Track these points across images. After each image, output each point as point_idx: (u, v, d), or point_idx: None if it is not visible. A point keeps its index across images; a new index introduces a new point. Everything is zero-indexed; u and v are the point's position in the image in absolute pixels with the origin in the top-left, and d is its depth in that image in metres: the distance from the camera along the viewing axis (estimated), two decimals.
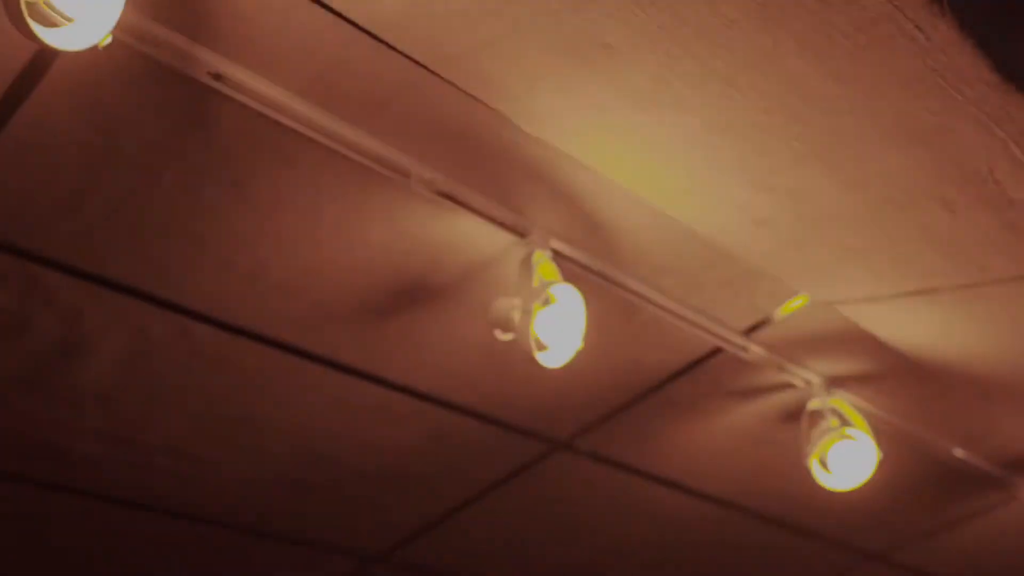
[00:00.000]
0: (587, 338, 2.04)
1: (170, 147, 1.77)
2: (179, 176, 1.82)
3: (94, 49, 1.37)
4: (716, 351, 2.44)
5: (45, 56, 1.58)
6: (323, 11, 1.55)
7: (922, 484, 3.07)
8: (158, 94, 1.69)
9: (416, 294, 2.17)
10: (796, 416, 2.60)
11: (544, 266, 2.00)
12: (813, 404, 2.56)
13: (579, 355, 2.05)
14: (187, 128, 1.75)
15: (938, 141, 1.70)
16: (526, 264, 2.00)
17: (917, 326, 2.34)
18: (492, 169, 1.93)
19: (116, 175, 1.80)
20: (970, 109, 1.62)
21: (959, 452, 2.91)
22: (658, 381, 2.53)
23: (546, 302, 1.97)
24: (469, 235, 2.06)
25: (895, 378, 2.58)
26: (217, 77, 1.65)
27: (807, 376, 2.55)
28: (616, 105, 1.70)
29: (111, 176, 1.80)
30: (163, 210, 1.88)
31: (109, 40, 1.37)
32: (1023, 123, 1.64)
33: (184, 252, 1.98)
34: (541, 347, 1.98)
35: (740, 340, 2.41)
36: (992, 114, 1.62)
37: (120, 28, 1.45)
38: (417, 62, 1.66)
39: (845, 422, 2.50)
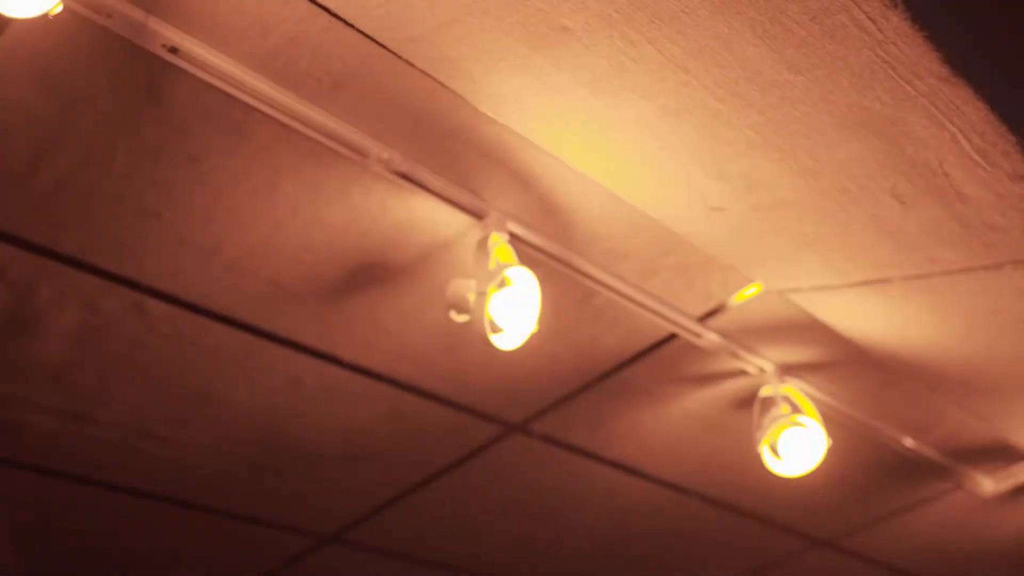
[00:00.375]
0: (543, 322, 2.06)
1: (124, 120, 1.76)
2: (133, 150, 1.81)
3: (45, 18, 1.36)
4: (671, 337, 2.46)
5: None
6: None
7: (871, 472, 3.12)
8: (112, 66, 1.67)
9: (373, 274, 2.17)
10: (749, 403, 2.63)
11: (500, 249, 2.01)
12: (765, 391, 2.59)
13: (534, 338, 2.05)
14: (142, 101, 1.73)
15: (890, 132, 1.72)
16: (482, 246, 2.01)
17: (868, 316, 2.37)
18: (450, 151, 1.94)
19: (69, 147, 1.79)
20: (921, 102, 1.64)
21: (908, 441, 2.96)
22: (613, 366, 2.55)
23: (501, 284, 1.97)
24: (426, 216, 2.06)
25: (846, 367, 2.61)
26: (173, 50, 1.64)
27: (760, 363, 2.58)
28: (573, 88, 1.70)
29: (64, 148, 1.78)
30: (117, 184, 1.87)
31: (60, 8, 1.35)
32: (972, 117, 1.67)
33: (138, 227, 1.97)
34: (495, 329, 1.99)
35: (695, 327, 2.43)
36: (942, 107, 1.65)
37: None
38: (375, 41, 1.66)
39: (796, 409, 2.53)
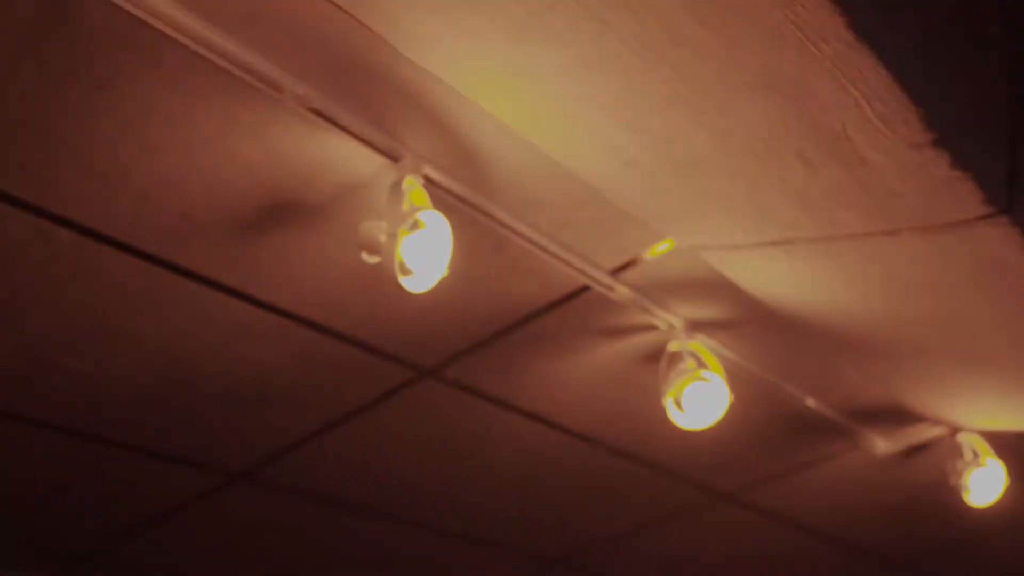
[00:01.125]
0: (457, 268, 2.07)
1: (27, 39, 1.71)
2: (37, 71, 1.76)
3: None
4: (583, 289, 2.50)
5: None
6: None
7: (773, 428, 3.22)
8: None
9: (286, 212, 2.16)
10: (657, 357, 2.69)
11: (415, 192, 2.01)
12: (673, 346, 2.65)
13: (448, 284, 2.07)
14: (47, 20, 1.68)
15: (796, 95, 1.76)
16: (396, 188, 2.01)
17: (774, 276, 2.43)
18: (368, 90, 1.92)
19: None
20: (827, 65, 1.67)
21: (808, 400, 3.06)
22: (525, 315, 2.58)
23: (413, 227, 1.98)
24: (342, 156, 2.05)
25: (752, 325, 2.68)
26: None
27: (669, 319, 2.64)
28: (491, 33, 1.70)
29: None
30: (19, 106, 1.82)
31: None
32: (875, 84, 1.71)
33: (42, 152, 1.92)
34: (406, 271, 2.00)
35: (607, 279, 2.47)
36: (847, 72, 1.68)
37: None
38: None
39: (702, 364, 2.60)
